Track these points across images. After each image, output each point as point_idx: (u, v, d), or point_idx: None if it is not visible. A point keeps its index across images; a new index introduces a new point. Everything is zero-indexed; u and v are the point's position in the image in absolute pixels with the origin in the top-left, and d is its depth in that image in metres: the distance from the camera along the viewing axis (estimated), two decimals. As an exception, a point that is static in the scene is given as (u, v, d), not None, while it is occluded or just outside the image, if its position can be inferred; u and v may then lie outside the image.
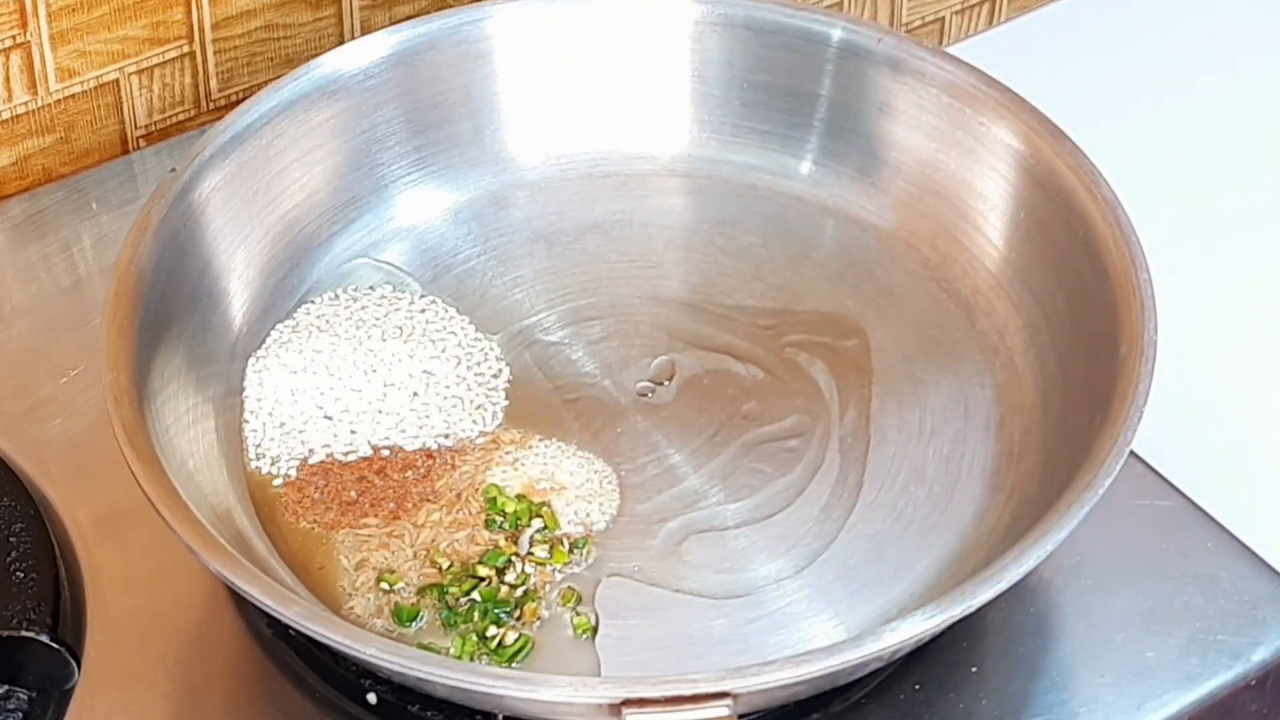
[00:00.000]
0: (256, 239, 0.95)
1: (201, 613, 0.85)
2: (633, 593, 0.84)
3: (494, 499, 0.87)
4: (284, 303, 0.95)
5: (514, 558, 0.84)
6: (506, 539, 0.85)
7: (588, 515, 0.87)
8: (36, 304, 0.99)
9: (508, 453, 0.89)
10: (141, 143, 1.09)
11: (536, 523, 0.86)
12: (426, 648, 0.81)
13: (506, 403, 0.91)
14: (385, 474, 0.88)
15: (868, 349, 0.94)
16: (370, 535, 0.86)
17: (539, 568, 0.84)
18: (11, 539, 0.84)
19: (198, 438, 0.87)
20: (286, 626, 0.79)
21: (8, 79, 1.02)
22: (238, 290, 0.94)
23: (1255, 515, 0.89)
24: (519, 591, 0.83)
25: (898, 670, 0.82)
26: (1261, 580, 0.87)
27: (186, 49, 1.07)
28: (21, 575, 0.83)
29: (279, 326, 0.94)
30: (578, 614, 0.83)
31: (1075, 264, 0.90)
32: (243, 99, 0.96)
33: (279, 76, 0.96)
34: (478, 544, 0.85)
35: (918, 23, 1.26)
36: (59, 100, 1.05)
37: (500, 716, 0.79)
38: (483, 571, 0.84)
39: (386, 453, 0.89)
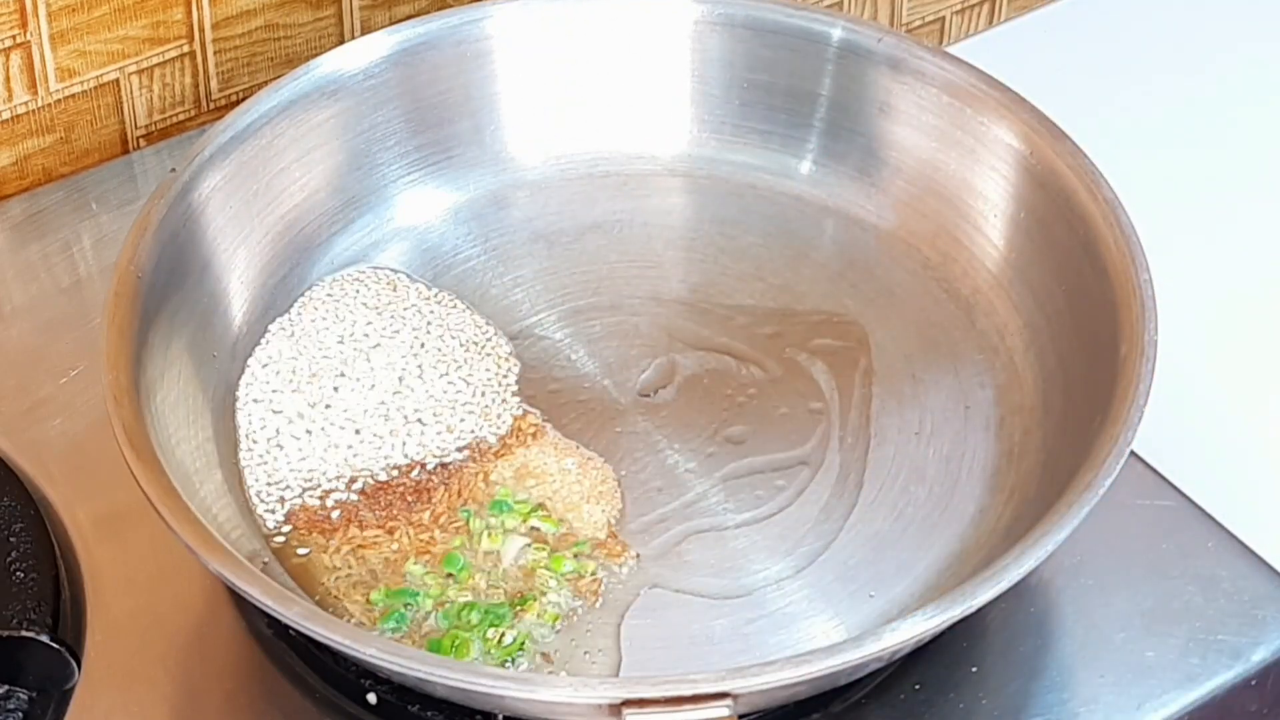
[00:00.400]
0: (256, 239, 0.95)
1: (201, 613, 0.85)
2: (633, 593, 0.84)
3: (494, 499, 0.87)
4: (284, 303, 0.95)
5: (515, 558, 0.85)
6: (506, 539, 0.85)
7: (588, 515, 0.87)
8: (36, 304, 0.99)
9: (508, 452, 0.89)
10: (141, 143, 1.09)
11: (536, 523, 0.86)
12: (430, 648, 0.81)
13: (518, 400, 0.91)
14: (386, 475, 0.88)
15: (868, 349, 0.94)
16: (370, 538, 0.85)
17: (539, 567, 0.84)
18: (11, 539, 0.84)
19: (197, 437, 0.87)
20: (286, 626, 0.79)
21: (8, 79, 1.02)
22: (238, 290, 0.94)
23: (1255, 515, 0.89)
24: (518, 587, 0.83)
25: (898, 670, 0.82)
26: (1261, 580, 0.87)
27: (186, 49, 1.07)
28: (21, 575, 0.82)
29: (279, 320, 0.94)
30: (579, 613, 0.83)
31: (1075, 264, 0.90)
32: (243, 99, 0.96)
33: (279, 76, 0.96)
34: (477, 545, 0.85)
35: (918, 23, 1.26)
36: (59, 100, 1.05)
37: (500, 716, 0.79)
38: (478, 578, 0.84)
39: (387, 454, 0.89)
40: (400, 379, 0.92)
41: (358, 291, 0.96)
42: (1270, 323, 1.02)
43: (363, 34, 1.06)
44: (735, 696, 0.72)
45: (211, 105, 1.10)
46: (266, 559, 0.84)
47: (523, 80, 1.01)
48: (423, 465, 0.88)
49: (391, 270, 0.97)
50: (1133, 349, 0.83)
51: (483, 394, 0.92)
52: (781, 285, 0.97)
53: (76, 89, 1.05)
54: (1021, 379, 0.92)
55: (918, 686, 0.82)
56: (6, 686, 0.80)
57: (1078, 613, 0.85)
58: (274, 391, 0.91)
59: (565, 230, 1.00)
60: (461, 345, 0.94)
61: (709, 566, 0.85)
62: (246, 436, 0.89)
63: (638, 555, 0.86)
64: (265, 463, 0.88)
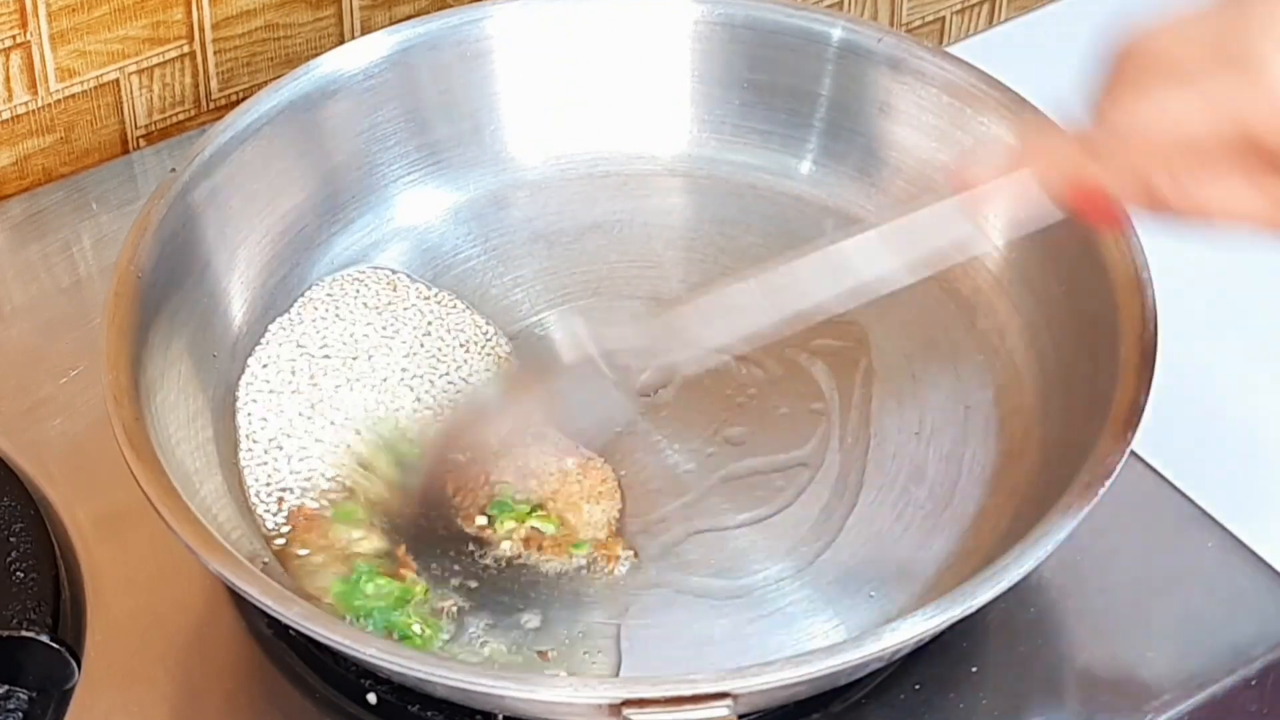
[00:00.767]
0: (256, 239, 0.95)
1: (201, 613, 0.85)
2: (633, 593, 0.84)
3: (494, 499, 0.87)
4: (284, 303, 0.95)
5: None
6: (506, 538, 0.86)
7: (588, 515, 0.87)
8: (36, 304, 0.99)
9: (508, 452, 0.89)
10: (141, 143, 1.09)
11: (536, 523, 0.86)
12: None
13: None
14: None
15: (868, 349, 0.94)
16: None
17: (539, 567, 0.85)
18: (11, 539, 0.84)
19: (197, 437, 0.87)
20: (286, 626, 0.79)
21: (8, 79, 1.02)
22: (238, 290, 0.94)
23: (1255, 515, 0.89)
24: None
25: (898, 670, 0.82)
26: (1261, 580, 0.87)
27: (186, 49, 1.07)
28: (21, 575, 0.82)
29: (279, 320, 0.94)
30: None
31: (1075, 264, 0.90)
32: (243, 99, 0.96)
33: (279, 76, 0.96)
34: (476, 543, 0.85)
35: (918, 23, 1.26)
36: (59, 100, 1.05)
37: (500, 716, 0.79)
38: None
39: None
40: (400, 379, 0.92)
41: (358, 291, 0.96)
42: (1270, 323, 1.02)
43: (363, 34, 1.06)
44: (735, 696, 0.72)
45: (211, 105, 1.10)
46: (266, 559, 0.84)
47: (523, 80, 1.01)
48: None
49: (391, 270, 0.97)
50: (1133, 349, 0.83)
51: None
52: (781, 285, 0.97)
53: (76, 89, 1.05)
54: (1021, 379, 0.92)
55: (918, 686, 0.82)
56: (6, 686, 0.80)
57: (1078, 613, 0.85)
58: (274, 392, 0.91)
59: (565, 230, 1.00)
60: (461, 345, 0.94)
61: (709, 566, 0.85)
62: (246, 437, 0.89)
63: (637, 555, 0.86)
64: (265, 463, 0.88)
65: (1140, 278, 0.86)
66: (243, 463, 0.88)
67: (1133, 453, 0.81)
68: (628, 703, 0.72)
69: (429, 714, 0.81)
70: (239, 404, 0.90)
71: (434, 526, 0.85)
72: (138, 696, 0.81)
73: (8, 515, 0.85)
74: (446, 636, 0.82)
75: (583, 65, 1.02)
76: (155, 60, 1.07)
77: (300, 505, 0.86)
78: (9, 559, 0.83)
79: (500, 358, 0.93)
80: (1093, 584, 0.86)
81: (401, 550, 0.84)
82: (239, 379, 0.91)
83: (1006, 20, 1.27)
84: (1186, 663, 0.83)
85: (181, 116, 1.10)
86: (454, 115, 1.00)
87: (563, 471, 0.88)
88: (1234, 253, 1.06)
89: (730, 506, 0.88)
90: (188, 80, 1.08)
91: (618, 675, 0.81)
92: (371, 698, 0.81)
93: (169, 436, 0.84)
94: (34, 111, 1.04)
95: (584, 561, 0.85)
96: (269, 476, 0.88)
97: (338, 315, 0.95)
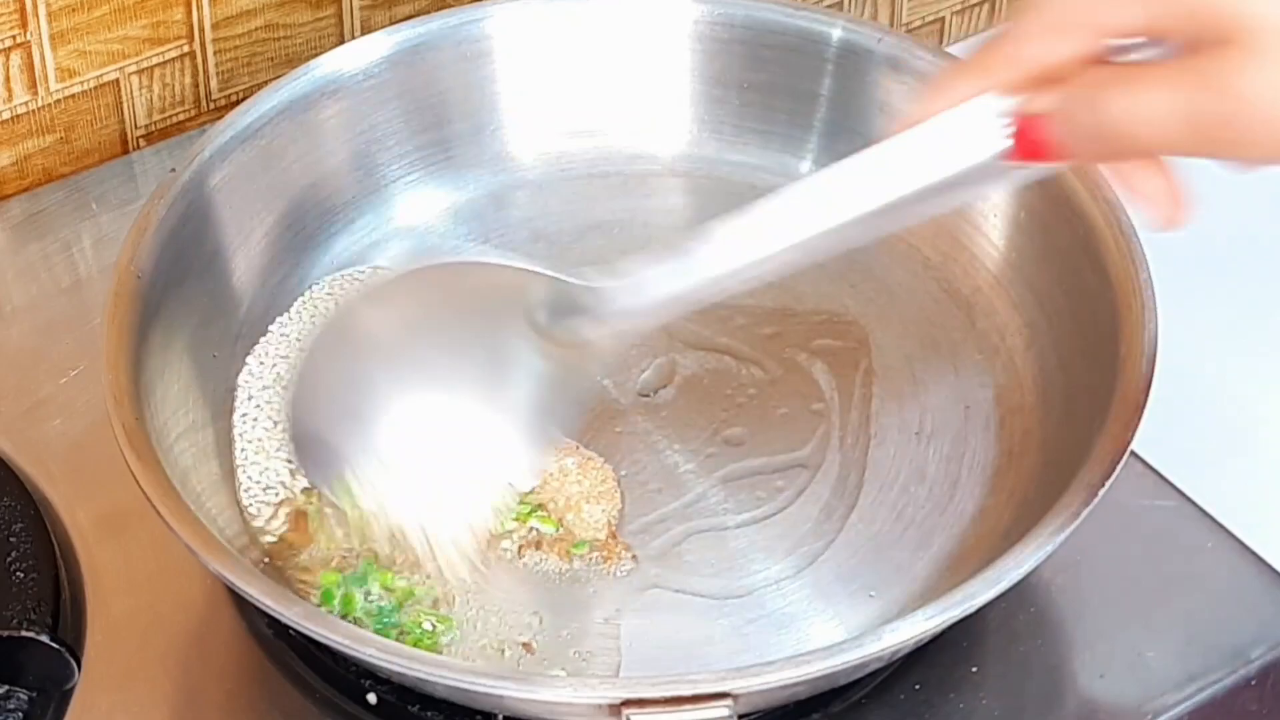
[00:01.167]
0: (256, 239, 0.95)
1: (201, 613, 0.85)
2: (632, 593, 0.84)
3: (494, 499, 0.87)
4: (284, 303, 0.95)
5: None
6: (505, 538, 0.86)
7: (587, 515, 0.87)
8: (36, 304, 0.99)
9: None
10: (141, 143, 1.09)
11: (535, 523, 0.86)
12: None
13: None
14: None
15: (868, 349, 0.94)
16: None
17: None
18: (11, 539, 0.84)
19: (197, 437, 0.87)
20: (286, 626, 0.79)
21: (8, 79, 1.02)
22: (238, 290, 0.94)
23: (1255, 515, 0.89)
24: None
25: (898, 670, 0.82)
26: (1261, 580, 0.87)
27: (186, 49, 1.07)
28: (21, 575, 0.82)
29: (279, 320, 0.94)
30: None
31: (1075, 264, 0.90)
32: (243, 99, 0.96)
33: (279, 76, 0.96)
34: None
35: (918, 23, 1.26)
36: (59, 100, 1.05)
37: (500, 716, 0.79)
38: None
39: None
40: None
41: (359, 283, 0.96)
42: (1270, 323, 1.02)
43: (363, 34, 1.06)
44: (735, 696, 0.72)
45: (211, 105, 1.10)
46: (266, 559, 0.84)
47: (523, 80, 1.01)
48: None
49: (391, 270, 0.97)
50: (1133, 349, 0.83)
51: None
52: (781, 285, 0.97)
53: (76, 89, 1.05)
54: (1021, 379, 0.92)
55: (918, 686, 0.82)
56: (6, 686, 0.80)
57: (1078, 613, 0.85)
58: (274, 391, 0.91)
59: (565, 230, 1.00)
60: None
61: (709, 566, 0.85)
62: (245, 436, 0.89)
63: (637, 556, 0.86)
64: (265, 463, 0.88)
65: (1140, 278, 0.86)
66: (242, 463, 0.88)
67: (1133, 453, 0.81)
68: (628, 703, 0.72)
69: (429, 714, 0.81)
70: (238, 404, 0.90)
71: (434, 526, 0.85)
72: (138, 696, 0.81)
73: (8, 515, 0.85)
74: (448, 638, 0.82)
75: (582, 65, 1.02)
76: (155, 60, 1.07)
77: (300, 506, 0.86)
78: (9, 559, 0.83)
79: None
80: (1093, 584, 0.86)
81: (401, 550, 0.84)
82: (239, 379, 0.91)
83: (1006, 20, 1.27)
84: (1186, 663, 0.83)
85: (181, 116, 1.10)
86: (454, 115, 1.00)
87: (563, 471, 0.88)
88: (1234, 253, 1.07)
89: (730, 507, 0.88)
90: (188, 80, 1.08)
91: (617, 675, 0.81)
92: (371, 698, 0.81)
93: (169, 436, 0.84)
94: (34, 111, 1.04)
95: (584, 562, 0.85)
96: (269, 476, 0.88)
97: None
